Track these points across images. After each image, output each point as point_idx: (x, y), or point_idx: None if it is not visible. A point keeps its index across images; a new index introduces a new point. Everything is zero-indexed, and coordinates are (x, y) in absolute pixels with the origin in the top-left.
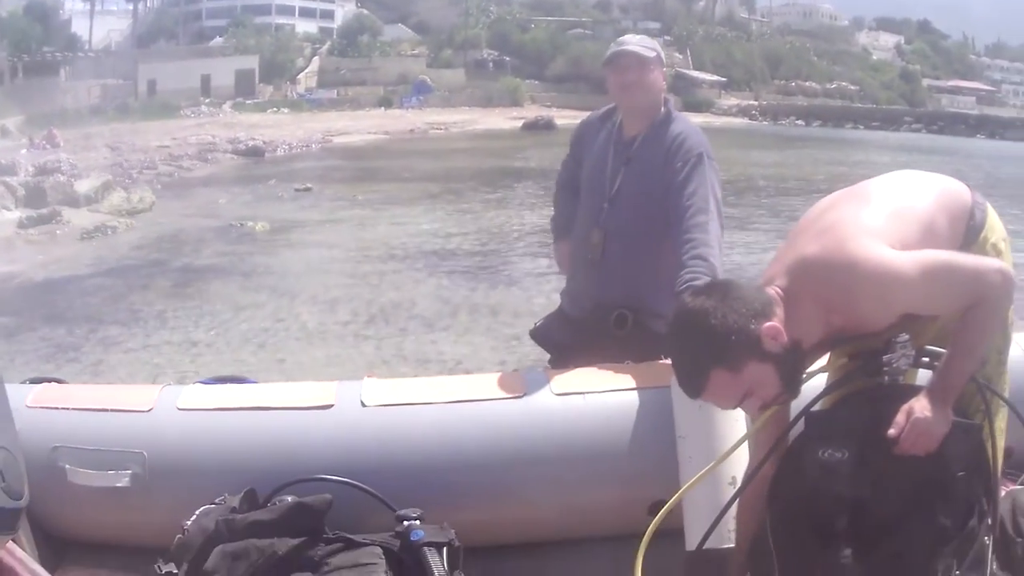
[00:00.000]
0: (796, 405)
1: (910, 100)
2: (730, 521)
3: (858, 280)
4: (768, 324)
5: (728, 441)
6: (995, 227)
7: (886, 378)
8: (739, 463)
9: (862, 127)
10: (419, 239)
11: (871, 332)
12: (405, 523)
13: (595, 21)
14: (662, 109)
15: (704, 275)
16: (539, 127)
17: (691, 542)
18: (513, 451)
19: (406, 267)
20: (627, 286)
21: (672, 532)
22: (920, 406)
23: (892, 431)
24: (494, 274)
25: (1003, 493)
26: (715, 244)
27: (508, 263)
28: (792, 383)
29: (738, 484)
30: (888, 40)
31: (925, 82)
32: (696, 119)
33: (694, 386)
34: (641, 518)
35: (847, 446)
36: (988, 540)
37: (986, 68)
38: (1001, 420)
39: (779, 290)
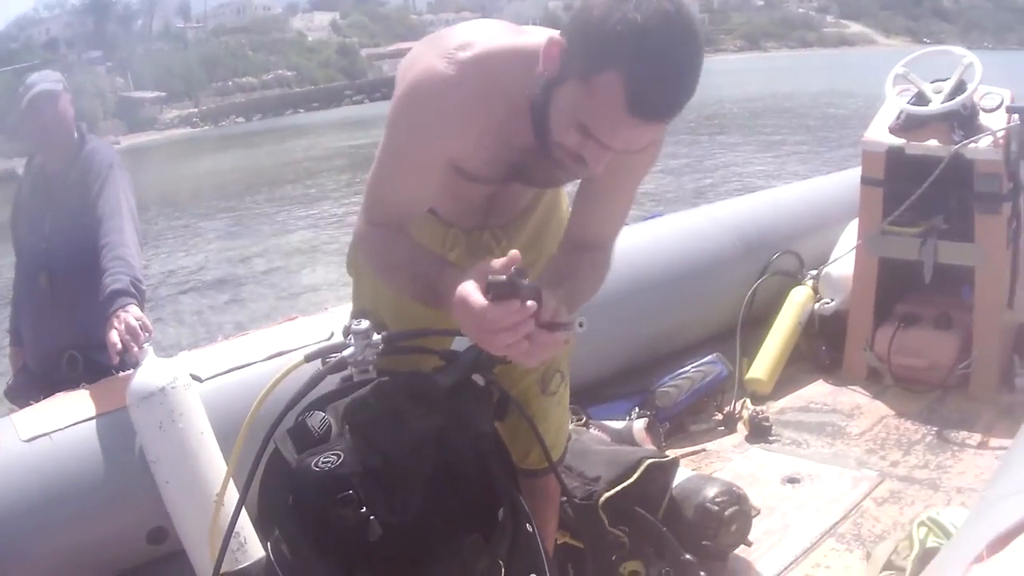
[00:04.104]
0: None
1: (350, 73)
2: (233, 543)
3: None
4: None
5: (198, 457)
6: None
7: (354, 374)
8: (219, 483)
9: (303, 111)
10: None
11: None
12: None
13: (45, 61)
14: (75, 135)
15: (124, 274)
16: None
17: (199, 568)
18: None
19: None
20: (76, 325)
21: (183, 552)
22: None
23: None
24: None
25: None
26: (131, 244)
27: None
28: None
29: (223, 502)
30: (323, 19)
31: (364, 52)
32: (140, 139)
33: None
34: (142, 547)
35: (336, 448)
36: (531, 527)
37: (429, 25)
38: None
39: None
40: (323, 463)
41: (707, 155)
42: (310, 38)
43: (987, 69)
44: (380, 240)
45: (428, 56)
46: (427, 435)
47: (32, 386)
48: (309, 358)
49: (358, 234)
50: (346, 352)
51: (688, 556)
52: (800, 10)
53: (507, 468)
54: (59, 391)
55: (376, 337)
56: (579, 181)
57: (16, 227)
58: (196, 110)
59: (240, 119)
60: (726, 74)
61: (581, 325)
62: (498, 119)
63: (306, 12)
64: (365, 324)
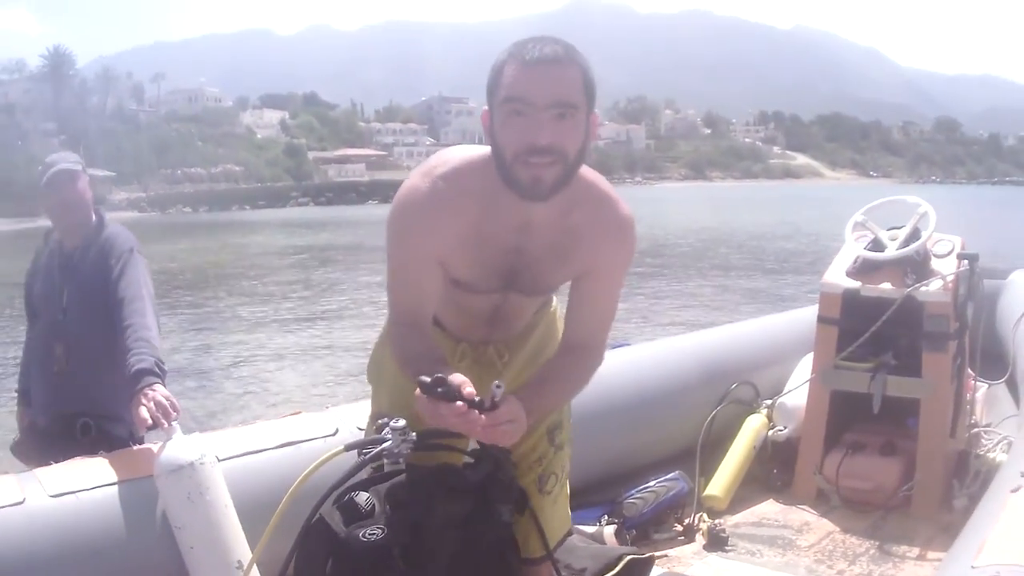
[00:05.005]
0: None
1: (296, 175)
2: None
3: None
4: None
5: (222, 527)
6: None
7: (385, 463)
8: (243, 548)
9: (248, 207)
10: None
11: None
12: None
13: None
14: (94, 217)
15: (149, 355)
16: None
17: None
18: (21, 560)
19: None
20: (89, 394)
21: None
22: (515, 410)
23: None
24: None
25: None
26: (153, 327)
27: None
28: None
29: (244, 567)
30: (273, 117)
31: (311, 154)
32: None
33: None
34: None
35: (384, 523)
36: None
37: (377, 133)
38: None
39: None
40: (369, 535)
41: (658, 289)
42: (259, 135)
43: (936, 204)
44: (398, 337)
45: (412, 176)
46: (454, 520)
47: (41, 446)
48: (349, 448)
49: (385, 330)
50: (385, 445)
51: None
52: (747, 140)
53: (516, 555)
54: (68, 454)
55: (412, 434)
56: (569, 293)
57: (31, 294)
58: (144, 195)
59: (187, 209)
60: (672, 203)
61: (499, 386)
62: (473, 220)
63: (256, 108)
64: (402, 422)
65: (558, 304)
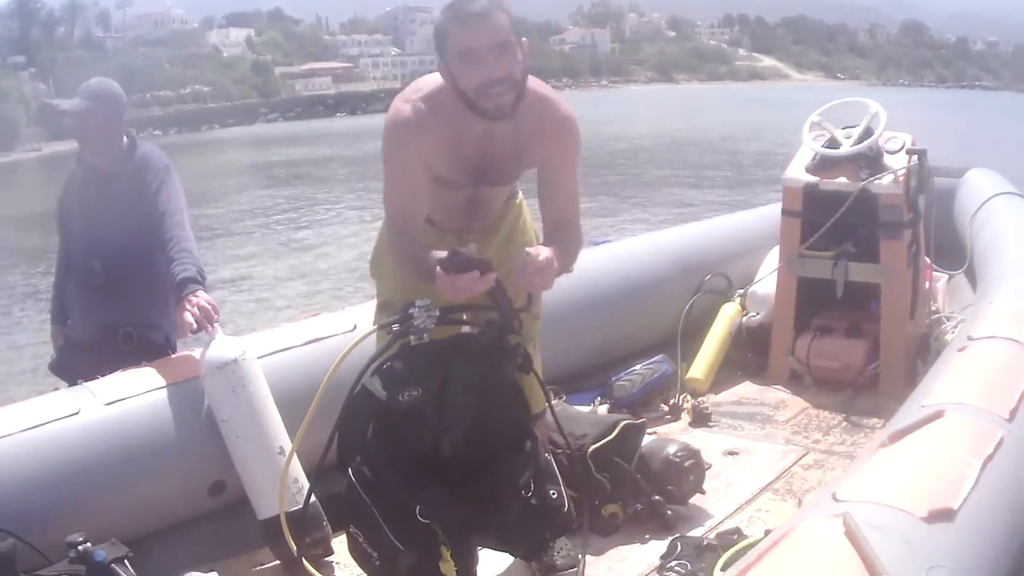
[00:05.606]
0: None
1: (263, 91)
2: (292, 485)
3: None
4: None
5: (265, 416)
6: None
7: (412, 338)
8: (283, 435)
9: (218, 126)
10: None
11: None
12: (80, 548)
13: None
14: (125, 139)
15: (191, 265)
16: None
17: (261, 510)
18: (82, 466)
19: None
20: (128, 304)
21: (237, 503)
22: (547, 253)
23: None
24: None
25: None
26: (192, 238)
27: None
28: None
29: (286, 453)
30: (239, 35)
31: (278, 70)
32: (63, 147)
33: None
34: (204, 499)
35: (419, 385)
36: (549, 456)
37: (342, 45)
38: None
39: None
40: (408, 396)
41: (633, 190)
42: (226, 54)
43: (901, 107)
44: (393, 244)
45: (396, 101)
46: (471, 382)
47: (80, 361)
48: (381, 327)
49: (383, 238)
50: (416, 321)
51: (657, 497)
52: (712, 42)
53: (526, 410)
54: (108, 365)
55: (436, 312)
56: (536, 185)
57: (65, 215)
58: None
59: (157, 132)
60: (640, 105)
61: (528, 253)
62: (447, 131)
63: (222, 28)
64: (428, 301)
65: (523, 197)
